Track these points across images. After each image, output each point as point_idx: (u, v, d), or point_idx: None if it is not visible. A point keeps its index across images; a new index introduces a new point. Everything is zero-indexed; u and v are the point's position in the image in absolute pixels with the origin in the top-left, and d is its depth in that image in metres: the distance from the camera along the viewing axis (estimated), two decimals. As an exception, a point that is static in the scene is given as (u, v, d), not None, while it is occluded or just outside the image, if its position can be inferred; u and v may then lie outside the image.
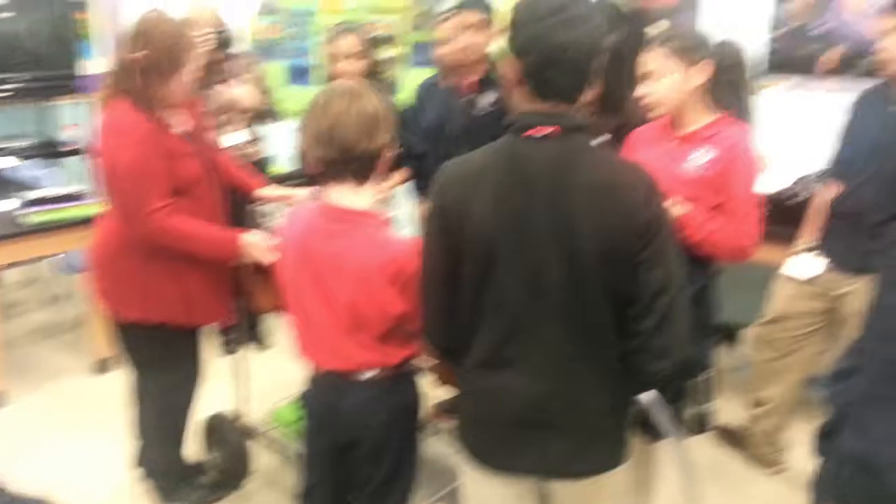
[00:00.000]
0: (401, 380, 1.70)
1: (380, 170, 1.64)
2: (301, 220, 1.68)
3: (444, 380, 1.88)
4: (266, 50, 5.52)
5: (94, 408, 3.19)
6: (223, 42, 3.29)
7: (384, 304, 1.58)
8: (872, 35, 2.88)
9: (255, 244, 2.07)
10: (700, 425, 2.05)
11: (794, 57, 3.15)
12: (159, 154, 1.99)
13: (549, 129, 1.29)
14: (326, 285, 1.60)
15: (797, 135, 2.74)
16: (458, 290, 1.38)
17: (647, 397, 1.51)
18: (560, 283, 1.28)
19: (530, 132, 1.30)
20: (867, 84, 2.76)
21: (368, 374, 1.65)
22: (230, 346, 3.56)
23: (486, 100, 2.71)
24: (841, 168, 2.33)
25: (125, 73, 1.98)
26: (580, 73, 1.28)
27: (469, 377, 1.43)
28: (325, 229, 1.60)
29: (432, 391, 2.23)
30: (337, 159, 1.56)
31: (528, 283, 1.30)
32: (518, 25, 1.30)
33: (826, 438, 1.13)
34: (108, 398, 3.19)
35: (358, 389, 1.66)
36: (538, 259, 1.28)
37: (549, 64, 1.26)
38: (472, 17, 2.62)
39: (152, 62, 1.96)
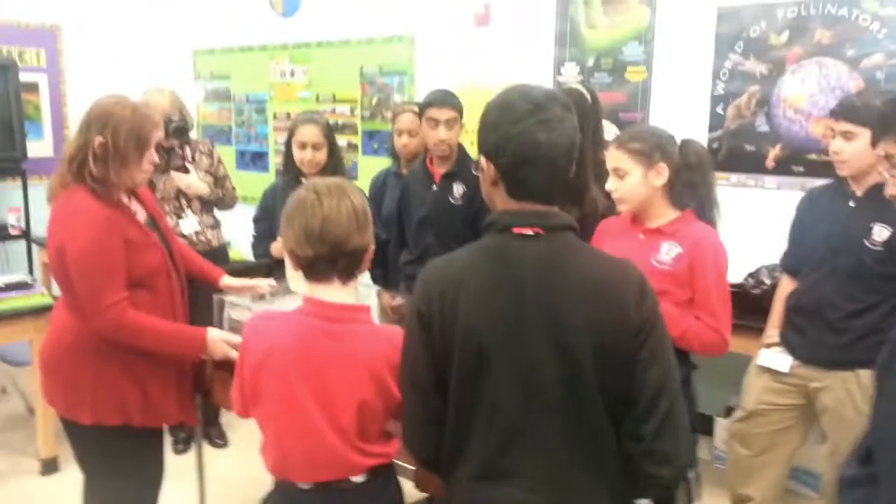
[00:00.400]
0: (388, 480, 1.63)
1: (364, 266, 1.62)
2: (286, 325, 1.57)
3: (423, 486, 1.82)
4: (214, 136, 5.55)
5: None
6: (180, 129, 3.28)
7: (389, 396, 1.51)
8: (815, 134, 3.11)
9: (221, 341, 2.02)
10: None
11: (735, 154, 3.31)
12: (117, 243, 1.92)
13: (532, 230, 1.28)
14: (330, 389, 1.51)
15: (743, 229, 2.85)
16: (443, 397, 1.33)
17: (643, 501, 1.49)
18: (555, 382, 1.25)
19: (518, 230, 1.29)
20: (810, 181, 2.96)
21: (360, 479, 1.56)
22: (180, 447, 3.42)
23: (457, 191, 2.76)
24: (795, 264, 2.42)
25: (82, 159, 1.93)
26: (556, 173, 1.29)
27: (461, 492, 1.36)
28: (324, 330, 1.52)
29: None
30: (327, 256, 1.52)
31: (522, 384, 1.26)
32: (491, 126, 1.31)
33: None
34: (59, 503, 3.01)
35: (351, 497, 1.56)
36: (531, 362, 1.26)
37: (524, 163, 1.27)
38: (444, 113, 2.68)
39: (113, 148, 1.92)
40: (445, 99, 2.71)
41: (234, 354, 1.97)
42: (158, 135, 2.05)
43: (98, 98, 2.00)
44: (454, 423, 1.33)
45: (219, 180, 3.50)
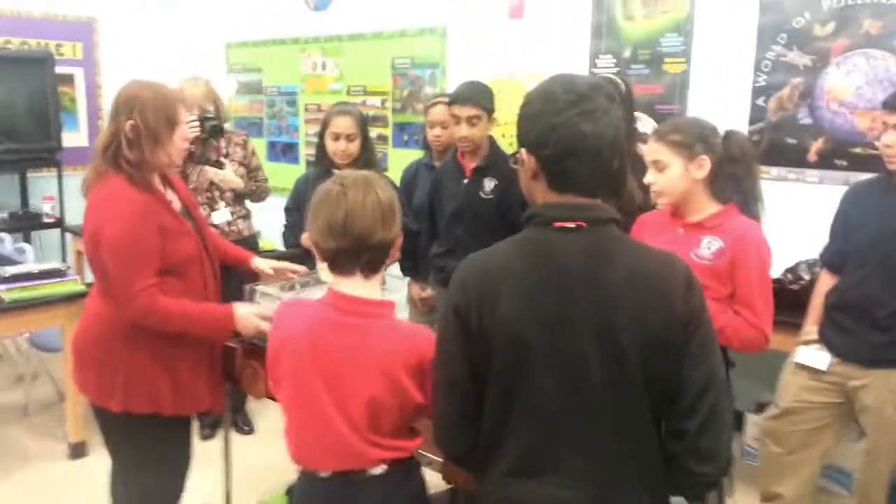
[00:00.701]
0: (409, 469, 1.60)
1: (390, 260, 1.60)
2: (304, 314, 1.58)
3: (451, 478, 1.79)
4: (246, 128, 5.59)
5: (70, 498, 3.00)
6: (216, 129, 3.32)
7: (405, 396, 1.49)
8: (860, 127, 3.01)
9: (249, 314, 2.03)
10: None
11: (776, 148, 3.23)
12: (152, 230, 1.93)
13: (575, 223, 1.24)
14: (341, 382, 1.50)
15: (783, 224, 2.78)
16: (480, 395, 1.30)
17: (678, 500, 1.44)
18: (600, 382, 1.21)
19: (559, 224, 1.25)
20: (853, 175, 2.87)
21: (379, 471, 1.54)
22: (206, 431, 3.43)
23: (487, 186, 2.72)
24: (837, 260, 2.34)
25: (116, 146, 1.94)
26: (601, 165, 1.25)
27: (495, 487, 1.32)
28: (338, 322, 1.51)
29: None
30: (350, 250, 1.50)
31: (565, 383, 1.23)
32: (532, 118, 1.27)
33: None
34: (86, 486, 3.04)
35: (370, 488, 1.54)
36: (576, 357, 1.22)
37: (568, 155, 1.23)
38: (465, 111, 2.64)
39: (144, 128, 1.93)
40: (468, 96, 2.66)
41: (264, 326, 1.99)
42: (185, 110, 2.07)
43: (121, 86, 2.02)
44: (492, 419, 1.30)
45: (251, 172, 3.52)
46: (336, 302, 1.53)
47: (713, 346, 1.25)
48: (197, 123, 3.06)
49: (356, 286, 1.54)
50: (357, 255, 1.51)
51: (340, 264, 1.53)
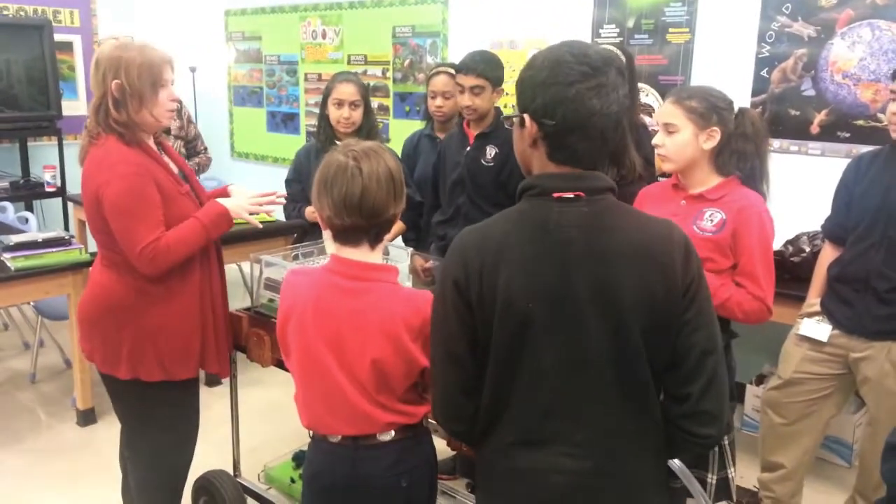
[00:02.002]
0: (419, 438, 1.63)
1: (391, 229, 1.62)
2: (309, 281, 1.60)
3: (456, 446, 1.82)
4: (246, 97, 5.56)
5: (81, 464, 3.04)
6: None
7: (409, 360, 1.52)
8: (863, 99, 3.01)
9: (239, 198, 2.12)
10: (722, 491, 2.01)
11: (779, 119, 3.22)
12: (151, 186, 1.94)
13: (573, 194, 1.23)
14: (346, 345, 1.53)
15: (785, 196, 2.79)
16: (480, 369, 1.30)
17: (677, 464, 1.47)
18: (602, 351, 1.23)
19: (557, 194, 1.24)
20: (856, 147, 2.87)
21: (388, 437, 1.58)
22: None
23: (489, 152, 2.73)
24: (839, 231, 2.35)
25: (105, 107, 1.94)
26: (602, 142, 1.23)
27: (498, 457, 1.33)
28: (342, 287, 1.53)
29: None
30: (363, 226, 1.52)
31: (567, 354, 1.24)
32: (540, 85, 1.23)
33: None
34: (96, 453, 3.09)
35: (377, 455, 1.57)
36: (577, 327, 1.22)
37: (573, 130, 1.21)
38: (468, 80, 2.64)
39: (129, 88, 1.93)
40: (472, 66, 2.64)
41: (258, 207, 2.12)
42: (171, 71, 2.04)
43: (101, 47, 2.01)
44: (493, 391, 1.30)
45: (190, 143, 3.39)
46: (339, 268, 1.55)
47: (711, 312, 1.26)
48: None
49: (361, 254, 1.56)
50: (367, 229, 1.53)
51: (349, 237, 1.54)
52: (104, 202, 1.91)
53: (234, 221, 2.12)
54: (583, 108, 1.20)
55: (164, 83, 1.99)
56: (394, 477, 1.57)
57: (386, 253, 2.69)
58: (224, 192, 2.26)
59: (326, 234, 1.61)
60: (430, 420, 1.78)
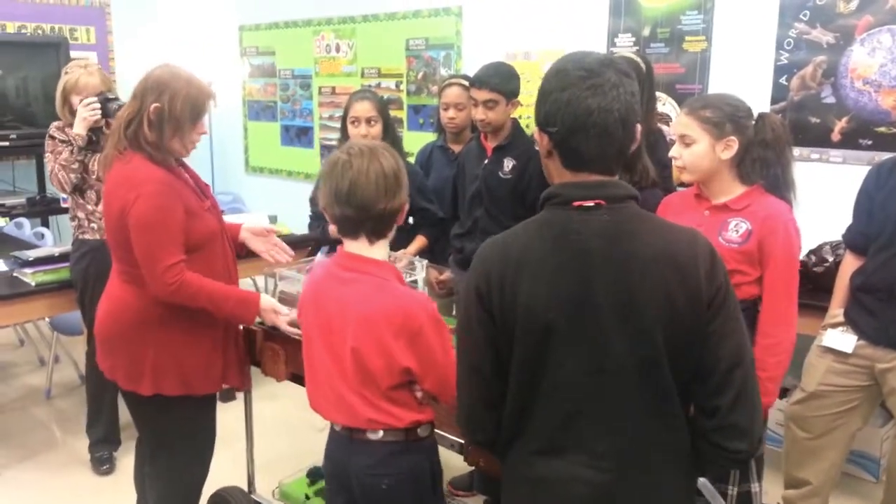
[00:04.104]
0: (412, 448, 1.63)
1: (395, 227, 1.67)
2: (318, 271, 1.71)
3: (474, 460, 1.79)
4: (260, 112, 5.58)
5: (96, 481, 3.03)
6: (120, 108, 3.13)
7: (389, 355, 1.54)
8: (884, 106, 2.96)
9: (271, 309, 2.09)
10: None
11: (799, 127, 3.17)
12: (178, 207, 1.96)
13: (593, 202, 1.22)
14: (332, 333, 1.61)
15: (806, 205, 2.75)
16: (503, 378, 1.29)
17: (701, 480, 1.43)
18: (625, 361, 1.21)
19: (578, 203, 1.23)
20: (878, 155, 2.82)
21: (377, 436, 1.61)
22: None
23: (507, 165, 2.70)
24: (861, 240, 2.31)
25: (137, 124, 1.95)
26: (609, 140, 1.22)
27: (520, 466, 1.32)
28: (337, 277, 1.63)
29: (449, 463, 2.11)
30: (354, 217, 1.59)
31: (590, 364, 1.22)
32: (543, 95, 1.26)
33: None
34: (113, 472, 3.06)
35: (365, 451, 1.62)
36: (599, 337, 1.21)
37: (575, 131, 1.21)
38: (482, 94, 2.62)
39: (168, 114, 1.95)
40: (485, 79, 2.63)
41: (281, 323, 2.07)
42: (212, 106, 2.08)
43: (154, 67, 2.03)
44: (515, 402, 1.29)
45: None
46: (339, 258, 1.66)
47: (739, 322, 1.24)
48: (98, 106, 2.80)
49: (361, 248, 1.63)
50: (361, 222, 1.60)
51: (346, 229, 1.63)
52: (130, 218, 1.92)
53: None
54: (580, 108, 1.20)
55: (202, 116, 2.04)
56: (375, 477, 1.61)
57: (411, 266, 2.68)
58: (235, 230, 2.29)
59: (332, 228, 1.70)
60: (442, 435, 1.76)
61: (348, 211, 1.58)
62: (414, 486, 1.64)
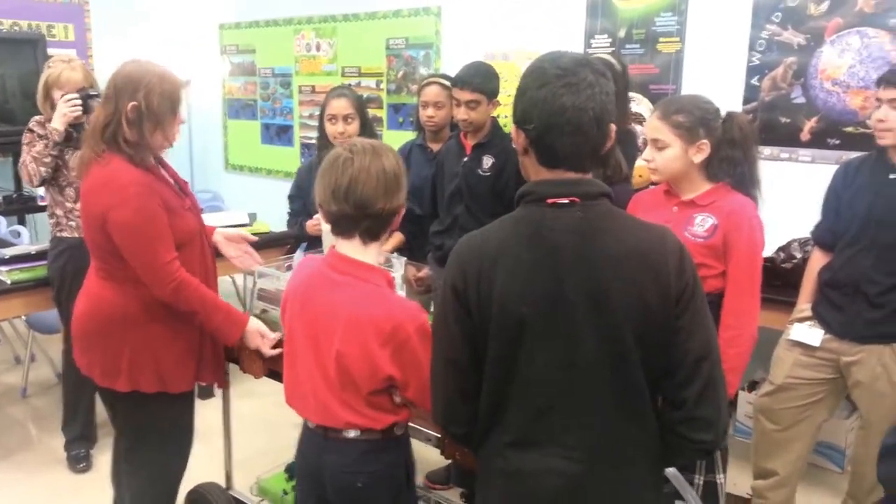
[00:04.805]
0: (387, 446, 1.64)
1: (392, 229, 1.65)
2: (307, 269, 1.68)
3: (450, 454, 1.81)
4: (240, 110, 5.58)
5: (73, 479, 3.01)
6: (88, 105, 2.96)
7: (373, 362, 1.54)
8: (853, 107, 3.03)
9: (257, 332, 2.09)
10: (710, 495, 2.00)
11: (770, 127, 3.23)
12: (159, 207, 1.95)
13: (567, 199, 1.25)
14: (318, 335, 1.59)
15: (776, 203, 2.81)
16: (478, 373, 1.32)
17: (671, 470, 1.47)
18: (596, 356, 1.24)
19: (552, 200, 1.26)
20: (846, 154, 2.88)
21: (352, 434, 1.61)
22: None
23: (486, 163, 2.74)
24: (829, 237, 2.36)
25: (115, 125, 1.94)
26: (583, 138, 1.24)
27: (494, 458, 1.35)
28: (329, 279, 1.60)
29: (425, 457, 2.13)
30: (351, 216, 1.56)
31: (562, 358, 1.25)
32: (519, 93, 1.28)
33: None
34: (90, 470, 3.05)
35: (340, 449, 1.61)
36: (571, 333, 1.24)
37: (549, 129, 1.24)
38: (464, 95, 2.65)
39: (146, 110, 1.94)
40: (467, 80, 2.66)
41: (265, 349, 2.08)
42: (185, 95, 2.07)
43: (120, 66, 2.01)
44: (490, 395, 1.31)
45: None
46: (332, 260, 1.62)
47: (706, 317, 1.27)
48: (79, 102, 2.79)
49: (354, 250, 1.60)
50: (357, 220, 1.57)
51: (342, 227, 1.59)
52: (114, 223, 1.91)
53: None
54: (555, 105, 1.22)
55: (179, 107, 2.02)
56: (350, 475, 1.61)
57: (388, 262, 2.70)
58: (209, 232, 2.27)
59: (325, 227, 1.67)
60: (417, 428, 1.79)
61: (346, 208, 1.54)
62: (389, 483, 1.65)
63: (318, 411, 1.62)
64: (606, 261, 1.23)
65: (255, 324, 2.09)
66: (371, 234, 1.59)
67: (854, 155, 2.49)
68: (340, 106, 2.81)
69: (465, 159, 2.78)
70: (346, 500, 1.63)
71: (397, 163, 1.59)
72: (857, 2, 2.97)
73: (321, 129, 2.90)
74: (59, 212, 2.93)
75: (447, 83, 2.95)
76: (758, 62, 3.25)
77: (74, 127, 2.82)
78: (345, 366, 1.55)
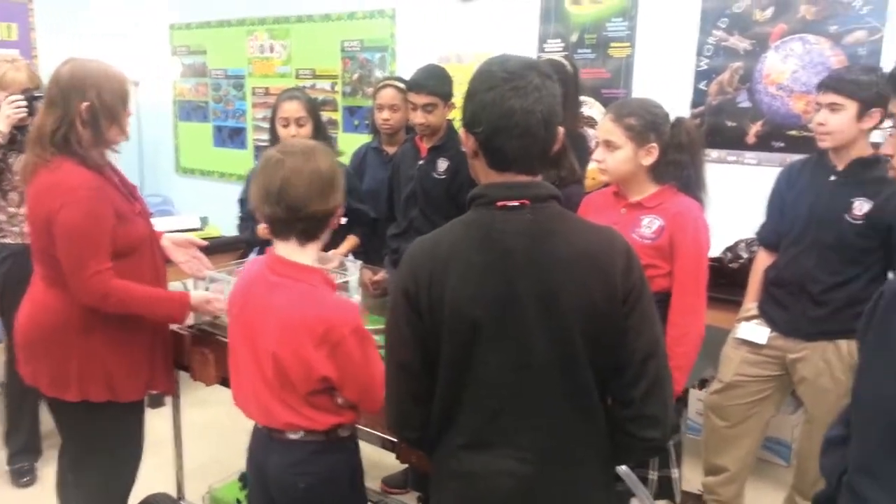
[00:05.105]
0: (330, 447, 1.64)
1: (328, 230, 1.65)
2: (248, 272, 1.69)
3: (405, 457, 1.81)
4: (191, 112, 5.48)
5: (16, 497, 2.90)
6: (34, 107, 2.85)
7: (307, 363, 1.53)
8: (795, 110, 3.12)
9: (202, 300, 2.07)
10: (664, 490, 2.04)
11: (717, 130, 3.31)
12: (108, 212, 1.91)
13: (517, 202, 1.26)
14: (256, 336, 1.59)
15: (722, 204, 2.88)
16: (431, 376, 1.32)
17: (623, 468, 1.49)
18: (547, 359, 1.25)
19: (502, 203, 1.26)
20: (790, 157, 2.97)
21: (295, 436, 1.61)
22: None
23: (441, 166, 2.74)
24: (774, 237, 2.43)
25: (67, 128, 1.90)
26: (532, 140, 1.25)
27: (448, 460, 1.35)
28: (266, 280, 1.60)
29: (382, 462, 2.12)
30: (284, 218, 1.56)
31: (514, 360, 1.26)
32: (468, 96, 1.29)
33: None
34: (34, 484, 2.95)
35: (283, 450, 1.62)
36: (523, 336, 1.25)
37: (497, 131, 1.24)
38: (420, 99, 2.65)
39: (101, 108, 1.91)
40: (423, 83, 2.66)
41: (216, 309, 2.06)
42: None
43: (57, 69, 1.96)
44: (443, 398, 1.32)
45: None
46: (269, 261, 1.63)
47: (653, 317, 1.29)
48: (24, 104, 2.70)
49: (291, 251, 1.60)
50: (291, 223, 1.57)
51: (277, 230, 1.60)
52: (58, 225, 1.87)
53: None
54: (503, 108, 1.23)
55: (128, 99, 2.01)
56: (292, 476, 1.61)
57: (341, 265, 2.68)
58: (158, 236, 2.21)
59: (261, 228, 1.68)
60: (370, 432, 1.78)
61: (278, 211, 1.54)
62: (331, 486, 1.64)
63: (260, 412, 1.63)
64: (557, 263, 1.24)
65: (198, 296, 2.09)
66: (307, 235, 1.60)
67: (797, 157, 2.56)
68: (293, 109, 2.78)
69: (421, 162, 2.78)
70: (289, 501, 1.63)
71: (331, 164, 1.59)
72: (799, 9, 3.06)
73: (273, 131, 2.86)
74: (1, 217, 2.84)
75: (402, 86, 2.95)
76: (705, 67, 3.32)
77: (19, 129, 2.73)
78: (281, 367, 1.55)
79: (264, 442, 1.65)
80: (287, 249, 1.60)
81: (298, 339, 1.52)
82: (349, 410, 1.65)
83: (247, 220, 2.98)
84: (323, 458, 1.62)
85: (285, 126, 2.78)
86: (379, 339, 1.56)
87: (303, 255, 1.61)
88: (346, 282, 2.40)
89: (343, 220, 2.93)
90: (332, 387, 1.59)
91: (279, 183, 1.52)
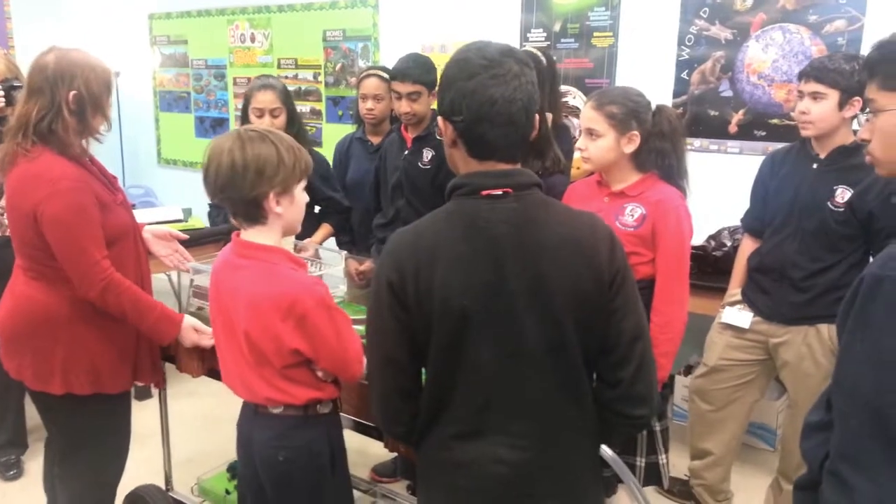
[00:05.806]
0: (308, 421, 1.66)
1: (273, 215, 1.61)
2: (219, 257, 1.73)
3: (393, 446, 1.82)
4: (172, 103, 5.43)
5: (3, 490, 2.87)
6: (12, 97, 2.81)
7: (278, 338, 1.56)
8: (777, 99, 3.15)
9: (192, 328, 2.03)
10: (652, 476, 2.07)
11: (699, 120, 3.34)
12: (92, 202, 1.89)
13: (501, 190, 1.26)
14: (229, 317, 1.63)
15: (705, 193, 2.91)
16: (417, 369, 1.32)
17: (609, 453, 1.51)
18: (537, 344, 1.25)
19: (486, 192, 1.26)
20: (771, 145, 3.00)
21: (276, 410, 1.66)
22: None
23: (426, 155, 2.74)
24: (757, 224, 2.46)
25: (52, 118, 1.87)
26: (514, 129, 1.25)
27: (439, 451, 1.35)
28: (232, 262, 1.65)
29: (371, 450, 2.12)
30: (221, 203, 1.64)
31: (504, 348, 1.26)
32: (447, 84, 1.27)
33: (803, 492, 1.15)
34: (20, 476, 2.93)
35: (266, 424, 1.67)
36: (512, 322, 1.25)
37: (479, 120, 1.23)
38: (405, 87, 2.65)
39: (88, 96, 1.90)
40: (407, 72, 2.65)
41: (204, 342, 2.03)
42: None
43: (39, 57, 1.93)
44: (433, 389, 1.31)
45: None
46: (234, 246, 1.67)
47: (637, 300, 1.32)
48: (2, 94, 2.67)
49: (255, 234, 1.64)
50: (233, 206, 1.62)
51: (232, 214, 1.65)
52: (45, 219, 1.84)
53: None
54: (484, 96, 1.22)
55: (111, 88, 2.00)
56: (273, 449, 1.65)
57: (318, 256, 2.68)
58: (139, 228, 2.17)
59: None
60: (359, 422, 1.79)
61: (215, 197, 1.61)
62: (309, 459, 1.66)
63: (243, 389, 1.68)
64: (544, 250, 1.25)
65: (189, 320, 2.05)
66: (249, 218, 1.61)
67: (780, 146, 2.59)
68: (267, 100, 2.74)
69: (406, 152, 2.78)
70: (271, 474, 1.67)
71: (275, 151, 1.56)
72: (779, -1, 3.09)
73: (245, 120, 2.81)
74: None
75: (386, 76, 2.94)
76: (687, 56, 3.35)
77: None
78: (254, 343, 1.59)
79: (250, 417, 1.70)
80: (249, 233, 1.64)
81: (265, 314, 1.55)
82: (329, 385, 1.68)
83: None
84: (300, 432, 1.65)
85: (259, 116, 2.74)
86: (360, 330, 1.55)
87: (263, 236, 1.63)
88: (320, 273, 2.38)
89: (317, 209, 2.94)
90: (309, 359, 1.62)
91: (207, 170, 1.59)
